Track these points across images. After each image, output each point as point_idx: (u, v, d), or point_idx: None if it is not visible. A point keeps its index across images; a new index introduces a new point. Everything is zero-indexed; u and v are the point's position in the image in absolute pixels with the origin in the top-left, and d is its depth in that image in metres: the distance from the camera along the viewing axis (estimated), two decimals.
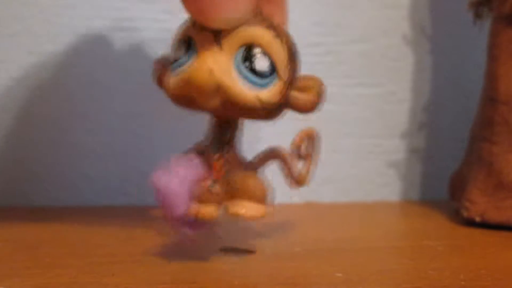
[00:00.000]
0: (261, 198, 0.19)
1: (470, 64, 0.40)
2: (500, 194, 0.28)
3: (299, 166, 0.21)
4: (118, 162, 0.36)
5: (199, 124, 0.37)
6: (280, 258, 0.21)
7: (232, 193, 0.19)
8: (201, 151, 0.20)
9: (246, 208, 0.19)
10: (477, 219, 0.28)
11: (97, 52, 0.35)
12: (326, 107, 0.37)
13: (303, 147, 0.21)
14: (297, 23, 0.37)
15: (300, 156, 0.21)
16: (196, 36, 0.18)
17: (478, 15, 0.32)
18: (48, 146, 0.35)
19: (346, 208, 0.27)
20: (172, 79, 0.19)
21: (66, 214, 0.31)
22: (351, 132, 0.39)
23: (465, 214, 0.29)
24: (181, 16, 0.33)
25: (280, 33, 0.18)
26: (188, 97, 0.18)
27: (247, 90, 0.18)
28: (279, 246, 0.23)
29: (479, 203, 0.29)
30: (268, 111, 0.19)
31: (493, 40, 0.30)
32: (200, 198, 0.18)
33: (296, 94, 0.19)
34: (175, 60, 0.19)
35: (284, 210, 0.25)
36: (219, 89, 0.17)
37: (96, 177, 0.36)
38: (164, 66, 0.20)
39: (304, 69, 0.34)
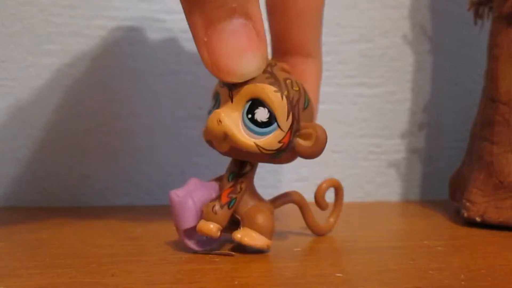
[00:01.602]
0: (266, 232, 0.22)
1: (470, 64, 0.40)
2: (500, 194, 0.28)
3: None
4: (118, 162, 0.36)
5: (197, 125, 0.37)
6: (280, 258, 0.21)
7: (242, 222, 0.22)
8: (220, 181, 0.23)
9: (250, 238, 0.21)
10: (477, 219, 0.28)
11: (97, 52, 0.35)
12: (326, 107, 0.38)
13: (324, 197, 0.25)
14: None
15: (321, 206, 0.25)
16: (220, 91, 0.22)
17: (478, 15, 0.32)
18: (48, 146, 0.35)
19: (346, 208, 0.27)
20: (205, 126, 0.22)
21: (66, 214, 0.31)
22: (351, 132, 0.39)
23: (465, 214, 0.29)
24: (181, 17, 0.33)
25: (282, 88, 0.21)
26: (209, 141, 0.22)
27: (247, 138, 0.20)
28: (279, 246, 0.23)
29: (479, 203, 0.29)
30: (270, 156, 0.21)
31: (494, 40, 0.30)
32: (206, 217, 0.21)
33: (299, 141, 0.21)
34: (209, 112, 0.22)
35: (284, 210, 0.25)
36: (226, 136, 0.20)
37: (96, 177, 0.36)
38: None
39: None
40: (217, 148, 0.22)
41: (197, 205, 0.21)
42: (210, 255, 0.22)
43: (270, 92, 0.20)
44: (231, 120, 0.20)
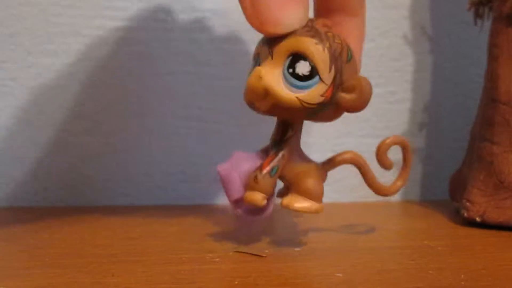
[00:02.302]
0: (315, 196, 0.21)
1: (470, 64, 0.40)
2: (500, 194, 0.28)
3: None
4: (118, 162, 0.36)
5: (197, 125, 0.37)
6: (280, 258, 0.21)
7: (290, 187, 0.22)
8: (266, 149, 0.22)
9: (297, 202, 0.21)
10: (477, 219, 0.28)
11: (97, 52, 0.35)
12: None
13: (389, 156, 0.24)
14: None
15: (384, 164, 0.24)
16: (260, 51, 0.21)
17: (478, 15, 0.32)
18: (48, 146, 0.35)
19: (346, 208, 0.27)
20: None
21: (66, 214, 0.31)
22: (352, 132, 0.39)
23: (465, 214, 0.29)
24: (181, 17, 0.33)
25: (323, 40, 0.20)
26: (250, 102, 0.22)
27: (288, 93, 0.20)
28: (279, 246, 0.23)
29: (479, 203, 0.29)
30: (313, 111, 0.20)
31: (494, 40, 0.30)
32: (249, 186, 0.21)
33: (343, 95, 0.21)
34: (249, 73, 0.22)
35: (284, 210, 0.25)
36: (267, 93, 0.20)
37: (96, 177, 0.36)
38: None
39: None
40: (259, 108, 0.21)
41: (243, 177, 0.21)
42: (210, 255, 0.22)
43: (311, 45, 0.20)
44: (272, 76, 0.20)
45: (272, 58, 0.20)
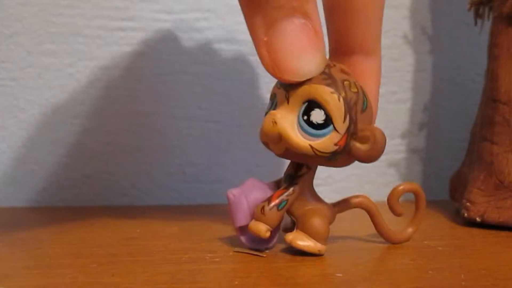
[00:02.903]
0: (319, 236, 0.21)
1: (470, 64, 0.40)
2: (500, 194, 0.28)
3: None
4: (118, 162, 0.36)
5: (197, 125, 0.37)
6: (280, 258, 0.21)
7: (296, 224, 0.22)
8: (279, 182, 0.23)
9: (300, 241, 0.21)
10: (477, 219, 0.28)
11: (97, 52, 0.35)
12: None
13: (399, 203, 0.24)
14: None
15: (395, 211, 0.24)
16: (277, 92, 0.22)
17: (478, 15, 0.32)
18: (48, 146, 0.35)
19: None
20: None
21: (66, 214, 0.31)
22: None
23: (465, 214, 0.29)
24: (181, 17, 0.33)
25: (339, 89, 0.20)
26: (265, 143, 0.22)
27: (302, 140, 0.20)
28: (279, 246, 0.23)
29: (479, 203, 0.29)
30: (325, 159, 0.21)
31: (494, 40, 0.30)
32: (256, 217, 0.21)
33: (357, 144, 0.21)
34: (266, 113, 0.22)
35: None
36: (281, 138, 0.20)
37: (96, 177, 0.36)
38: None
39: None
40: (273, 150, 0.22)
41: (251, 205, 0.22)
42: (210, 255, 0.22)
43: (326, 94, 0.20)
44: (287, 121, 0.20)
45: (288, 103, 0.21)
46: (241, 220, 0.22)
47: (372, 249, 0.23)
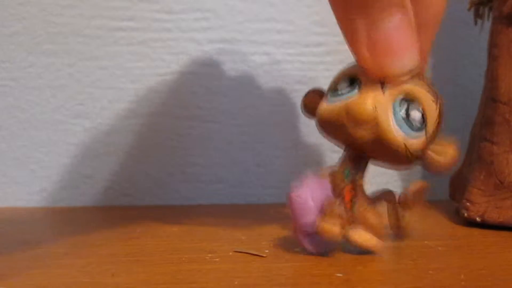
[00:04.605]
0: (379, 233, 0.22)
1: (470, 64, 0.40)
2: (500, 194, 0.28)
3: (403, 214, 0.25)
4: (118, 162, 0.36)
5: (197, 125, 0.37)
6: (280, 258, 0.21)
7: (355, 221, 0.21)
8: (328, 176, 0.22)
9: (363, 238, 0.21)
10: (477, 219, 0.28)
11: (97, 52, 0.35)
12: None
13: (411, 197, 0.25)
14: (297, 23, 0.37)
15: (405, 205, 0.25)
16: (364, 78, 0.20)
17: (478, 15, 0.32)
18: (48, 146, 0.35)
19: None
20: (327, 106, 0.21)
21: (67, 214, 0.31)
22: None
23: (465, 214, 0.29)
24: (181, 17, 0.33)
25: (437, 98, 0.21)
26: (338, 125, 0.20)
27: (400, 135, 0.20)
28: (279, 246, 0.23)
29: (479, 203, 0.28)
30: (407, 159, 0.20)
31: (494, 40, 0.30)
32: (326, 217, 0.21)
33: (433, 155, 0.21)
34: (334, 91, 0.21)
35: (278, 210, 0.25)
36: (376, 124, 0.20)
37: (96, 177, 0.36)
38: (318, 95, 0.22)
39: (305, 69, 0.34)
40: (351, 135, 0.20)
41: (317, 205, 0.21)
42: (210, 255, 0.22)
43: (429, 99, 0.20)
44: (386, 112, 0.20)
45: (383, 94, 0.20)
46: (309, 223, 0.21)
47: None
